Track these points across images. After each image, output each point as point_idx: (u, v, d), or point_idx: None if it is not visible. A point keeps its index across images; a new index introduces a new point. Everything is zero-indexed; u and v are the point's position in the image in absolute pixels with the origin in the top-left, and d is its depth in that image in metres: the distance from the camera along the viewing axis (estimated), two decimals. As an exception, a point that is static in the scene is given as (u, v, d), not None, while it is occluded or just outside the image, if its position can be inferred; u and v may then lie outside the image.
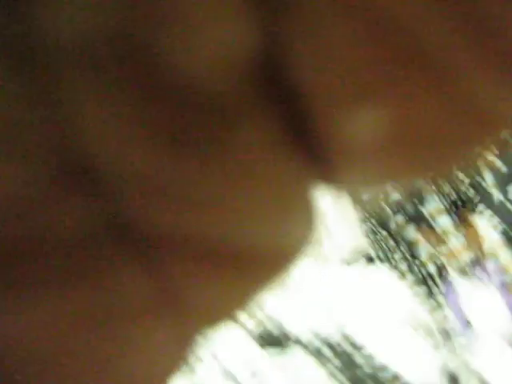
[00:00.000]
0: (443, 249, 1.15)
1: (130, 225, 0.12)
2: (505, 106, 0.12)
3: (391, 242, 1.14)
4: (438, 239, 1.15)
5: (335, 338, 1.15)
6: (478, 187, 0.98)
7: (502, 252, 1.12)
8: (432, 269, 1.17)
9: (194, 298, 0.13)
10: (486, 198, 1.01)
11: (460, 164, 0.13)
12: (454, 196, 1.03)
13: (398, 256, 1.15)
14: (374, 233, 1.11)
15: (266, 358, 1.16)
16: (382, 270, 1.16)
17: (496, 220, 1.07)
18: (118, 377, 0.13)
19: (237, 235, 0.12)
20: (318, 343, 1.15)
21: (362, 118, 0.11)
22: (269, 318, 1.14)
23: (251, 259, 0.13)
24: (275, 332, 1.16)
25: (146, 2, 0.11)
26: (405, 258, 1.15)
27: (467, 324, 1.16)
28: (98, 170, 0.11)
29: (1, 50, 0.11)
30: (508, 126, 0.12)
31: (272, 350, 1.17)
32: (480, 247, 1.13)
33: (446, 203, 1.06)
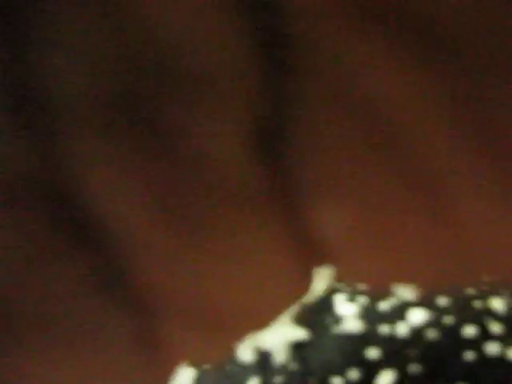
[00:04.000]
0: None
1: (125, 276, 0.13)
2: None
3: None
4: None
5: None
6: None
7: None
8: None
9: (174, 342, 0.14)
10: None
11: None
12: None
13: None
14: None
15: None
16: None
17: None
18: None
19: (223, 297, 0.13)
20: None
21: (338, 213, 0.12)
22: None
23: (232, 315, 0.14)
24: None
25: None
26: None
27: None
28: (101, 225, 0.12)
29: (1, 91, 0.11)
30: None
31: None
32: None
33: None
